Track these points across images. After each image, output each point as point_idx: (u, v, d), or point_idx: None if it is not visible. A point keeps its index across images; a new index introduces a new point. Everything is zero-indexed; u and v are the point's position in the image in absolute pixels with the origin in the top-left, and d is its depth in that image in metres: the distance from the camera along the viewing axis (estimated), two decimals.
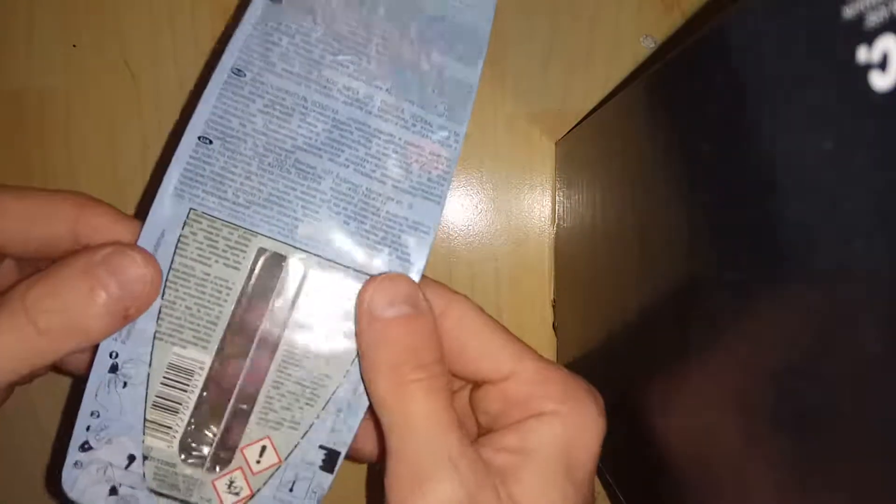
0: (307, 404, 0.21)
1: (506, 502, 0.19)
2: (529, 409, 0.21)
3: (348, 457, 0.22)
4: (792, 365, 0.13)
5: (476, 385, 0.23)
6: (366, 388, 0.21)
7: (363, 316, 0.20)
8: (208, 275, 0.21)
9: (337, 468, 0.21)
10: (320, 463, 0.21)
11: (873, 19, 0.10)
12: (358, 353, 0.21)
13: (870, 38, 0.10)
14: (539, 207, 0.39)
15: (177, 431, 0.21)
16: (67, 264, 0.19)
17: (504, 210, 0.39)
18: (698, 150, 0.17)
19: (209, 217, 0.21)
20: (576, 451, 0.20)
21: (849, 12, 0.11)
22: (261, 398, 0.21)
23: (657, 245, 0.21)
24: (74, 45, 0.38)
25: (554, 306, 0.39)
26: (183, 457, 0.21)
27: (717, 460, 0.17)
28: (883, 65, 0.10)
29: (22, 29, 0.38)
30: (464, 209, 0.39)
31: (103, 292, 0.19)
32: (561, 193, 0.37)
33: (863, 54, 0.10)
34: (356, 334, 0.21)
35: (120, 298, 0.19)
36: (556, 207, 0.38)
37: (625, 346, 0.25)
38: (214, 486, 0.21)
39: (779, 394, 0.14)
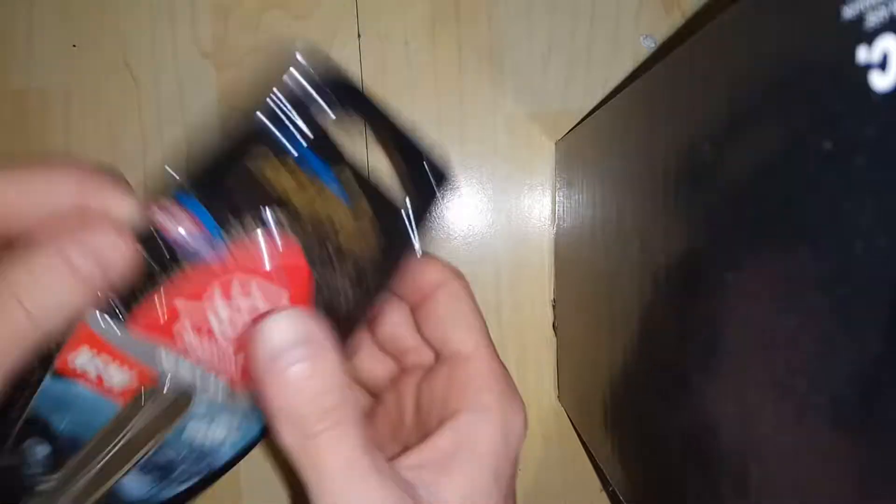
0: None
1: None
2: (468, 398, 0.22)
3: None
4: (793, 365, 0.13)
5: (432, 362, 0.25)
6: (272, 433, 0.20)
7: (257, 364, 0.19)
8: None
9: None
10: None
11: (873, 19, 0.10)
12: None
13: (870, 38, 0.10)
14: (539, 207, 0.39)
15: None
16: (42, 243, 0.19)
17: (504, 210, 0.39)
18: (698, 149, 0.17)
19: None
20: (504, 448, 0.22)
21: (849, 12, 0.11)
22: None
23: (657, 245, 0.21)
24: (74, 45, 0.38)
25: (554, 306, 0.39)
26: None
27: (719, 461, 0.17)
28: (883, 65, 0.10)
29: (22, 29, 0.38)
30: (464, 209, 0.39)
31: (79, 269, 0.18)
32: (561, 193, 0.37)
33: (863, 54, 0.10)
34: (253, 377, 0.19)
35: (92, 272, 0.19)
36: (556, 207, 0.38)
37: (625, 346, 0.25)
38: None
39: (780, 394, 0.14)
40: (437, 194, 0.23)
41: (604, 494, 0.39)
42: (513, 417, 0.22)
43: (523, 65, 0.38)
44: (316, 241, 0.21)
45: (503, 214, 0.39)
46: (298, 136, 0.21)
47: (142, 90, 0.39)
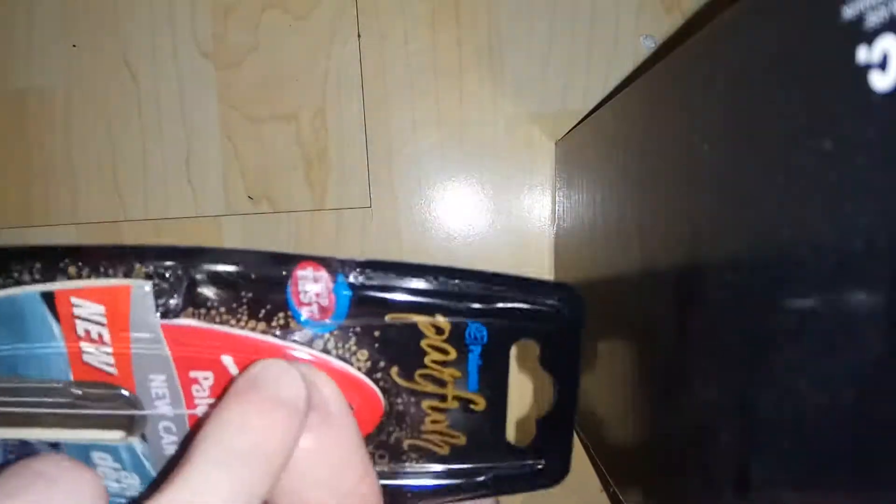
0: None
1: None
2: None
3: None
4: (792, 364, 0.13)
5: None
6: None
7: None
8: None
9: None
10: None
11: (873, 19, 0.10)
12: None
13: (870, 38, 0.10)
14: (539, 207, 0.39)
15: None
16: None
17: (504, 210, 0.39)
18: (698, 150, 0.17)
19: None
20: None
21: (849, 12, 0.11)
22: None
23: (657, 245, 0.21)
24: (74, 45, 0.38)
25: None
26: None
27: (716, 459, 0.17)
28: (883, 65, 0.10)
29: (22, 29, 0.38)
30: (464, 209, 0.39)
31: None
32: (561, 193, 0.37)
33: (863, 54, 0.10)
34: None
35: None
36: (556, 207, 0.38)
37: (625, 346, 0.25)
38: None
39: (779, 393, 0.14)
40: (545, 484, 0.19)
41: (604, 495, 0.39)
42: None
43: (523, 65, 0.38)
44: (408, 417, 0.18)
45: (503, 214, 0.39)
46: (484, 336, 0.18)
47: (142, 90, 0.39)
